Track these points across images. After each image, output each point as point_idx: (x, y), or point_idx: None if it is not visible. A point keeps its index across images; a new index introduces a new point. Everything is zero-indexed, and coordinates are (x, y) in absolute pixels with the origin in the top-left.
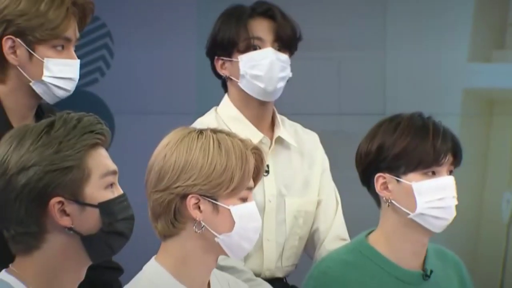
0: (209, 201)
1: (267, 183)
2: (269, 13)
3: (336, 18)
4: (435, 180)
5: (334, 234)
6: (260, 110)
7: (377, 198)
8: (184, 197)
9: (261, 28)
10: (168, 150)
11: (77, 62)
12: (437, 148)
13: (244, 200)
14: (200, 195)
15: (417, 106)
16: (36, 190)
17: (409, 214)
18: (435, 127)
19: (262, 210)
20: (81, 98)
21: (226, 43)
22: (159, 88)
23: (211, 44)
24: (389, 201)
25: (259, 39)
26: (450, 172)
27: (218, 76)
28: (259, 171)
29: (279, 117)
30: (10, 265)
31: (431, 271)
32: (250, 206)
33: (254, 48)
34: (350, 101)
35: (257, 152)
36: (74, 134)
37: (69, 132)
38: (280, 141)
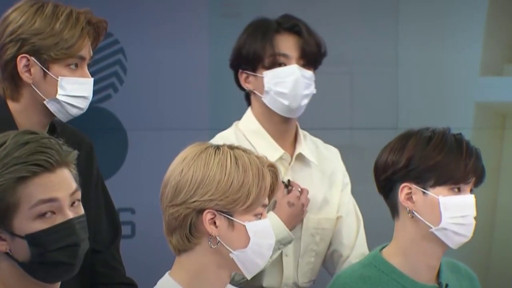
0: (225, 216)
1: None
2: (295, 29)
3: (349, 32)
4: (461, 197)
5: (359, 252)
6: (283, 125)
7: (393, 208)
8: (200, 212)
9: (287, 44)
10: (185, 165)
11: (91, 81)
12: (468, 167)
13: (258, 216)
14: (216, 210)
15: (429, 120)
16: None
17: (430, 227)
18: (468, 145)
19: None
20: (94, 114)
21: (251, 58)
22: (172, 104)
23: (235, 56)
24: (412, 212)
25: (285, 55)
26: (470, 191)
27: (241, 88)
28: (274, 188)
29: (301, 132)
30: None
31: (447, 285)
32: (265, 223)
33: (279, 64)
34: (362, 115)
35: (273, 169)
36: (2, 165)
37: None
38: (300, 158)
